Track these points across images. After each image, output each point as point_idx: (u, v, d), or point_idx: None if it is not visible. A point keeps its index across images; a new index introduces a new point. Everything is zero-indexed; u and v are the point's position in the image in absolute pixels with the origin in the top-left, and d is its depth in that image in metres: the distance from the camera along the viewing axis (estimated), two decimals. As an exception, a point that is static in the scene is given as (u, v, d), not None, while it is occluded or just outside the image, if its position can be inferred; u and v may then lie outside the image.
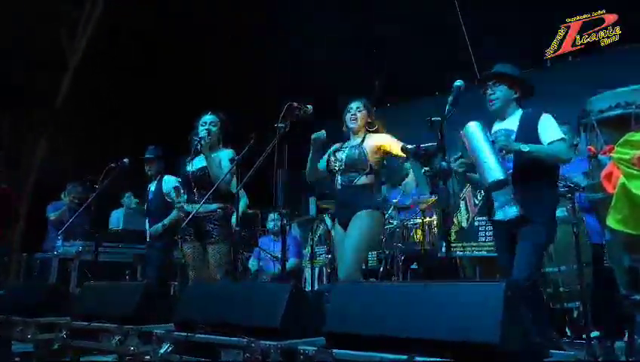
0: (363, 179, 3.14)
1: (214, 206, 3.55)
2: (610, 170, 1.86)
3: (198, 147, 3.62)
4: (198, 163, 3.71)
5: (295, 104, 3.20)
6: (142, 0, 8.36)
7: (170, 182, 4.73)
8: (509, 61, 3.02)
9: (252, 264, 5.75)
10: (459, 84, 2.66)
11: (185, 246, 3.64)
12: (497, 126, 2.92)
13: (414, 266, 4.86)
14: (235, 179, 3.43)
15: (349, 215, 3.11)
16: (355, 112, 3.31)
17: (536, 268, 2.68)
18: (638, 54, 6.42)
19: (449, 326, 1.80)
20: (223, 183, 3.43)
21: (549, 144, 2.67)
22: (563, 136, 2.69)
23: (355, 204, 3.11)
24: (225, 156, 3.66)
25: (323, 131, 3.25)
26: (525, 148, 2.60)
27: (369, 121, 3.31)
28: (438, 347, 1.81)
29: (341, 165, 3.20)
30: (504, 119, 2.89)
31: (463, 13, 7.09)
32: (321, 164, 3.39)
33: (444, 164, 2.35)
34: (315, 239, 5.84)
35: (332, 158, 3.30)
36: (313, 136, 3.26)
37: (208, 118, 3.80)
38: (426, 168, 2.47)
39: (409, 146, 2.75)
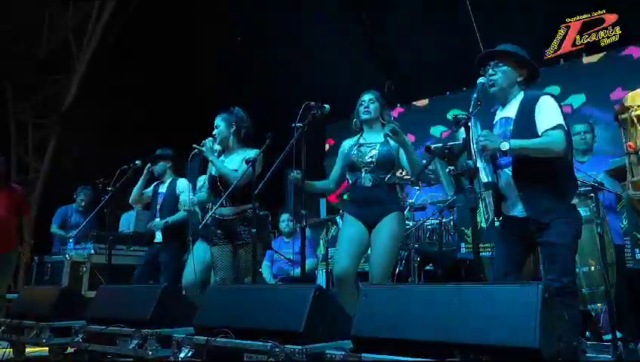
0: (392, 178, 3.11)
1: (241, 208, 3.46)
2: (654, 167, 1.80)
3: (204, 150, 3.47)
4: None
5: (312, 103, 3.15)
6: (149, 6, 8.34)
7: (183, 184, 4.63)
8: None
9: (265, 266, 5.59)
10: (482, 81, 2.62)
11: (213, 248, 3.54)
12: (499, 114, 2.71)
13: (430, 267, 4.80)
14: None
15: (377, 214, 3.07)
16: (368, 104, 3.26)
17: (574, 271, 2.43)
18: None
19: (484, 330, 1.74)
20: (240, 185, 3.31)
21: (542, 133, 2.40)
22: (560, 122, 2.38)
23: (384, 203, 3.08)
24: (243, 157, 3.51)
25: (297, 171, 3.09)
26: (505, 146, 2.33)
27: (383, 114, 3.27)
28: (473, 351, 1.75)
29: (371, 162, 3.13)
30: (505, 105, 2.66)
31: (464, 12, 7.03)
32: (334, 174, 3.39)
33: (470, 163, 2.30)
34: (329, 240, 5.77)
35: (356, 153, 3.20)
36: (290, 177, 3.09)
37: (216, 120, 3.66)
38: (451, 167, 2.40)
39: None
